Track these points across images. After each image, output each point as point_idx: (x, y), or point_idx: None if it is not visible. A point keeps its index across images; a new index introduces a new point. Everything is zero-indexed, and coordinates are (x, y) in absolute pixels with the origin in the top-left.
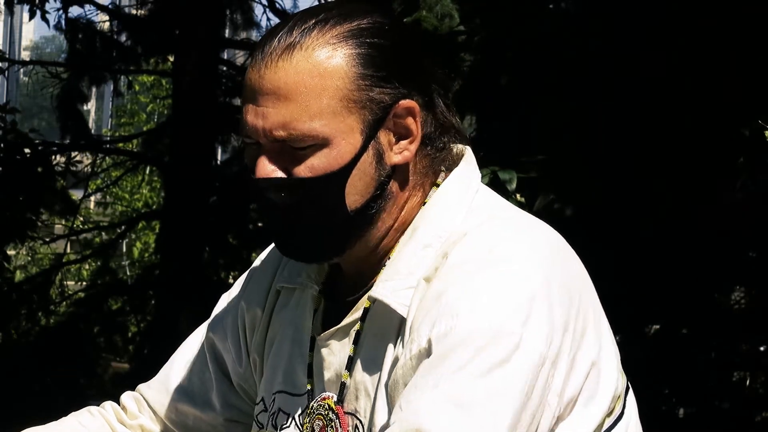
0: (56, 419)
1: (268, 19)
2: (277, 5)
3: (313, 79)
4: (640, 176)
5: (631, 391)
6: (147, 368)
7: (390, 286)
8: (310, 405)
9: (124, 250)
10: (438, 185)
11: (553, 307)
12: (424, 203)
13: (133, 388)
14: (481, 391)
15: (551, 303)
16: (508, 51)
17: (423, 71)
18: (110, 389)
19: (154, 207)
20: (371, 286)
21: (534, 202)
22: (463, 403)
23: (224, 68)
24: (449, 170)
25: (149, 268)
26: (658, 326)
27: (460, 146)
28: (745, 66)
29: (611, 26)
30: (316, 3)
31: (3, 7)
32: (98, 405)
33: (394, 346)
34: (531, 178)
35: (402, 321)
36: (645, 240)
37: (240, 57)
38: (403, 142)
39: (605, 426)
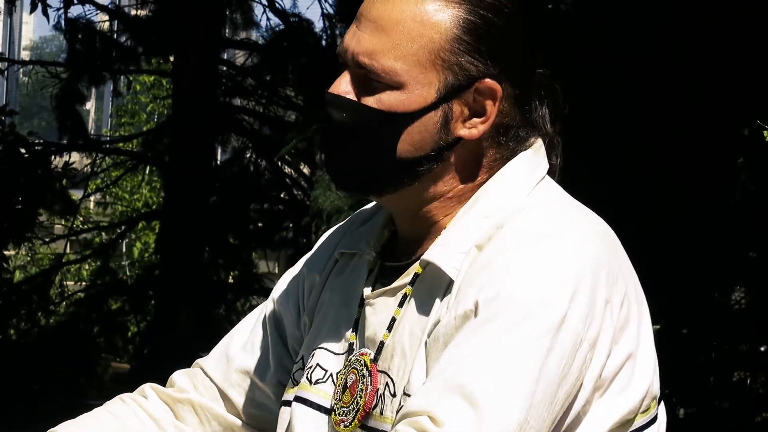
0: (56, 419)
1: (268, 19)
2: (277, 5)
3: (414, 23)
4: (640, 176)
5: (662, 402)
6: (147, 368)
7: (443, 251)
8: (349, 358)
9: (124, 250)
10: None
11: (598, 290)
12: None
13: (133, 388)
14: (524, 357)
15: (597, 285)
16: None
17: (527, 68)
18: (110, 389)
19: (154, 207)
20: (424, 252)
21: None
22: (506, 367)
23: (224, 68)
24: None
25: (149, 268)
26: (658, 326)
27: (532, 138)
28: (745, 66)
29: (611, 27)
30: (317, 2)
31: (2, 5)
32: (102, 404)
33: (438, 308)
34: None
35: (449, 284)
36: (645, 240)
37: (240, 57)
38: (475, 120)
39: (638, 423)
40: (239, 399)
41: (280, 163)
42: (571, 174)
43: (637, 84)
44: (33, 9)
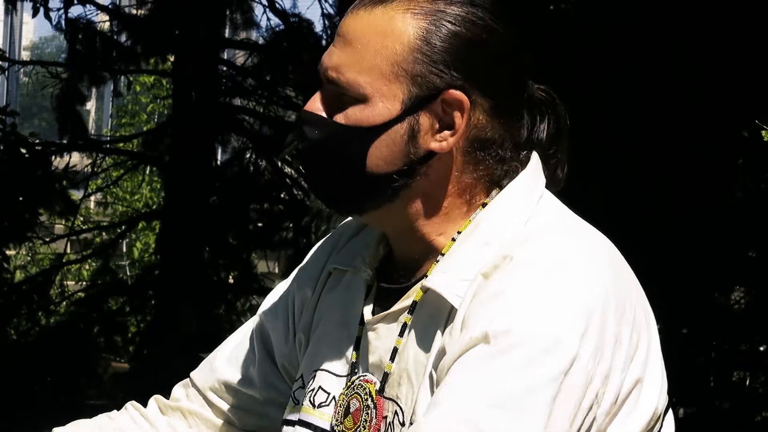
0: (56, 419)
1: (268, 19)
2: (277, 5)
3: (377, 36)
4: (641, 176)
5: (670, 411)
6: (147, 368)
7: (446, 278)
8: (352, 379)
9: (124, 250)
10: (501, 187)
11: (608, 324)
12: (484, 204)
13: (133, 388)
14: (537, 396)
15: (607, 319)
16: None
17: (508, 81)
18: (110, 389)
19: (154, 207)
20: (424, 275)
21: None
22: (518, 405)
23: (224, 68)
24: (515, 174)
25: (149, 268)
26: (658, 326)
27: (527, 153)
28: (745, 66)
29: (611, 27)
30: (317, 2)
31: (2, 6)
32: (102, 404)
33: (442, 335)
34: None
35: (451, 311)
36: (645, 240)
37: (240, 57)
38: (446, 132)
39: None
40: (225, 406)
41: (280, 163)
42: (572, 175)
43: (637, 84)
44: (35, 13)
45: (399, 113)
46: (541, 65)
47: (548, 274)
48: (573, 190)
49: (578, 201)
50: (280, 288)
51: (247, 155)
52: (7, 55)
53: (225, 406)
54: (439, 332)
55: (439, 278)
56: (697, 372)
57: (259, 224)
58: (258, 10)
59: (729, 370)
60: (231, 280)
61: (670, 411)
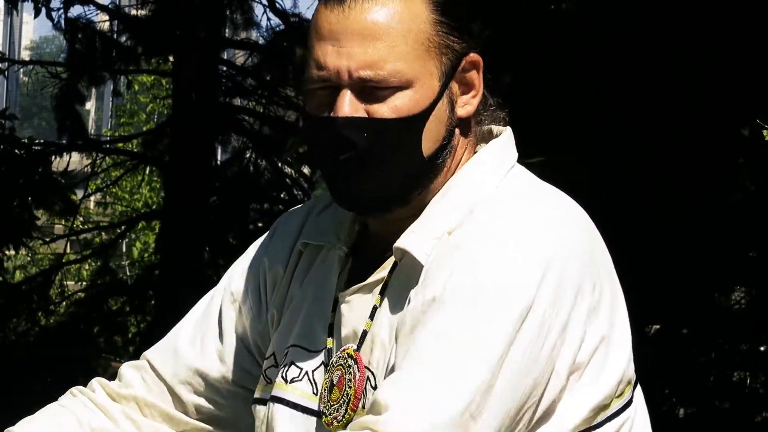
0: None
1: (269, 19)
2: (277, 5)
3: (398, 22)
4: (640, 176)
5: (639, 387)
6: None
7: (414, 237)
8: (331, 361)
9: (124, 250)
10: (475, 152)
11: (567, 277)
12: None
13: None
14: (486, 346)
15: (566, 272)
16: (509, 51)
17: (483, 33)
18: None
19: (154, 207)
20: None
21: None
22: (465, 354)
23: (224, 68)
24: (492, 135)
25: (149, 268)
26: (658, 326)
27: (499, 127)
28: (745, 66)
29: (611, 27)
30: (317, 2)
31: (3, 6)
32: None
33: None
34: None
35: (421, 271)
36: (645, 239)
37: (240, 57)
38: (466, 96)
39: (614, 408)
40: (188, 396)
41: (280, 164)
42: (572, 174)
43: (637, 84)
44: (37, 14)
45: (439, 88)
46: (541, 65)
47: (506, 227)
48: (573, 189)
49: (578, 200)
50: (245, 262)
51: (247, 155)
52: (7, 55)
53: (188, 396)
54: (410, 296)
55: (408, 238)
56: (697, 372)
57: (260, 224)
58: (258, 10)
59: (729, 370)
60: None
61: (639, 387)
